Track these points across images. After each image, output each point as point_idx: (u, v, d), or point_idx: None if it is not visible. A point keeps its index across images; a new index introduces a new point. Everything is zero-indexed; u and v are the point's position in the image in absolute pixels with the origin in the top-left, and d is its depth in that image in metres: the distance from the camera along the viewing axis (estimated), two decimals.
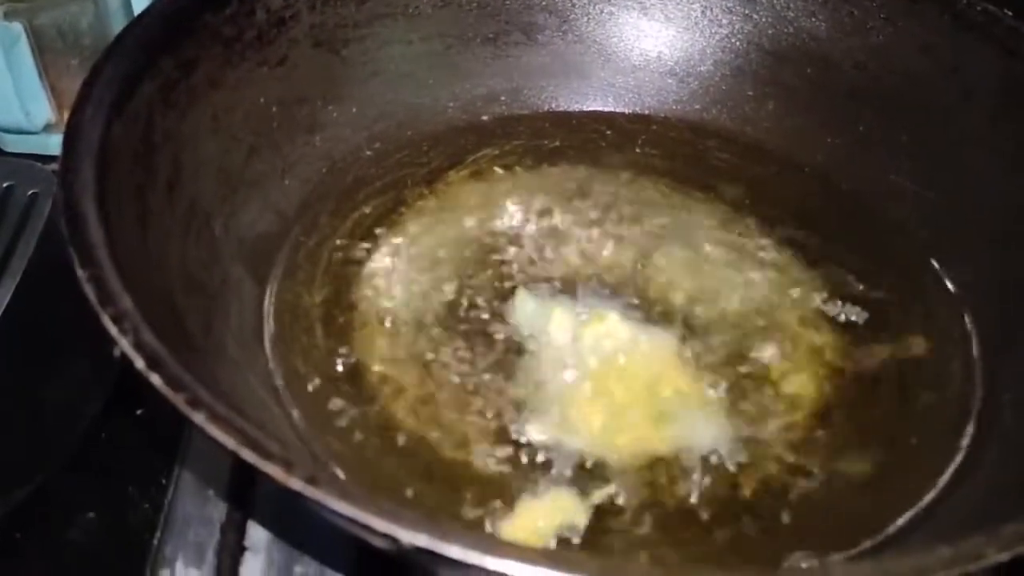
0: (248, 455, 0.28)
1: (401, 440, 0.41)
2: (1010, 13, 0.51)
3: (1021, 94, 0.49)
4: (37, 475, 0.47)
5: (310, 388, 0.42)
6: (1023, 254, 0.47)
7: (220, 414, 0.29)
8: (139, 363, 0.30)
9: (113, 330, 0.31)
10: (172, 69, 0.43)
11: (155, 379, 0.30)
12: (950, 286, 0.49)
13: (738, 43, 0.57)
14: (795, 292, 0.49)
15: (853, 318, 0.47)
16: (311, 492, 0.27)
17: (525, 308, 0.46)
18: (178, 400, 0.29)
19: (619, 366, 0.44)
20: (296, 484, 0.28)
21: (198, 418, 0.29)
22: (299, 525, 0.44)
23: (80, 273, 0.32)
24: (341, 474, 0.39)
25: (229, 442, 0.29)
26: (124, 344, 0.30)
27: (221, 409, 0.29)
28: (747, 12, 0.57)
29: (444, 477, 0.40)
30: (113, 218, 0.36)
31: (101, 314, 0.31)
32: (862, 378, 0.45)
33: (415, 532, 0.26)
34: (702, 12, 0.57)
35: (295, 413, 0.41)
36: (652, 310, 0.47)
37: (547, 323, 0.45)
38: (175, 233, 0.41)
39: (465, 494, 0.39)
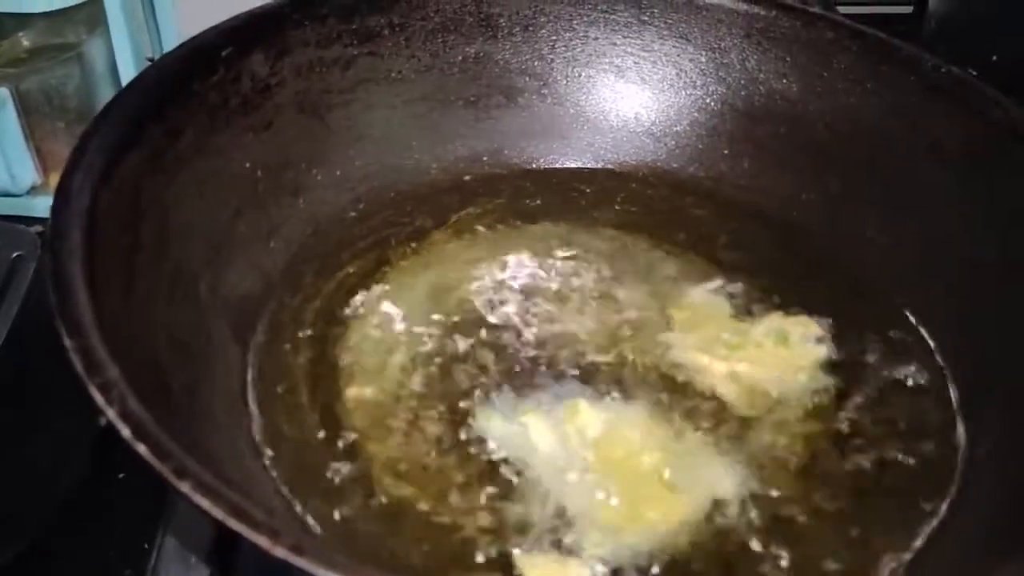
0: (235, 524, 0.28)
1: (388, 506, 0.41)
2: (975, 73, 0.53)
3: (986, 152, 0.50)
4: (16, 541, 0.46)
5: (295, 450, 0.42)
6: (995, 307, 0.48)
7: (206, 483, 0.29)
8: (125, 432, 0.30)
9: (100, 400, 0.31)
10: (159, 137, 0.44)
11: (142, 449, 0.30)
12: (927, 339, 0.50)
13: (712, 104, 0.59)
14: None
15: (829, 370, 0.48)
16: (298, 561, 0.27)
17: (494, 427, 0.44)
18: (165, 470, 0.29)
19: (613, 449, 0.43)
20: (282, 553, 0.28)
21: (184, 487, 0.29)
22: None
23: (67, 343, 0.32)
24: (327, 539, 0.38)
25: (216, 512, 0.29)
26: (111, 414, 0.31)
27: (207, 478, 0.30)
28: (720, 75, 0.58)
29: (436, 544, 0.40)
30: (100, 285, 0.36)
31: (88, 384, 0.31)
32: (839, 431, 0.45)
33: None
34: (676, 75, 0.59)
35: (281, 477, 0.41)
36: (632, 376, 0.47)
37: (525, 434, 0.44)
38: (161, 296, 0.41)
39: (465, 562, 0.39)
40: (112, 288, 0.38)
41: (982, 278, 0.49)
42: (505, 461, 0.43)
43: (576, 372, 0.47)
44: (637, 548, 0.40)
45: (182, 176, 0.45)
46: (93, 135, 0.41)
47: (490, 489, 0.42)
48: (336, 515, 0.40)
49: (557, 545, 0.40)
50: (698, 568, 0.40)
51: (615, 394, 0.46)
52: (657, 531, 0.41)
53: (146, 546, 0.47)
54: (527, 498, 0.41)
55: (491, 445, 0.43)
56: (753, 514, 0.41)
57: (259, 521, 0.28)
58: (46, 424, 0.51)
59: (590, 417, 0.44)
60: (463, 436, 0.44)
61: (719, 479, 0.43)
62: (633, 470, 0.43)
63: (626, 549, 0.40)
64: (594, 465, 0.43)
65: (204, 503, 0.29)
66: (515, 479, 0.42)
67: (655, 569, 0.39)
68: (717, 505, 0.42)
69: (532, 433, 0.44)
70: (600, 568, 0.39)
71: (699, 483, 0.42)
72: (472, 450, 0.43)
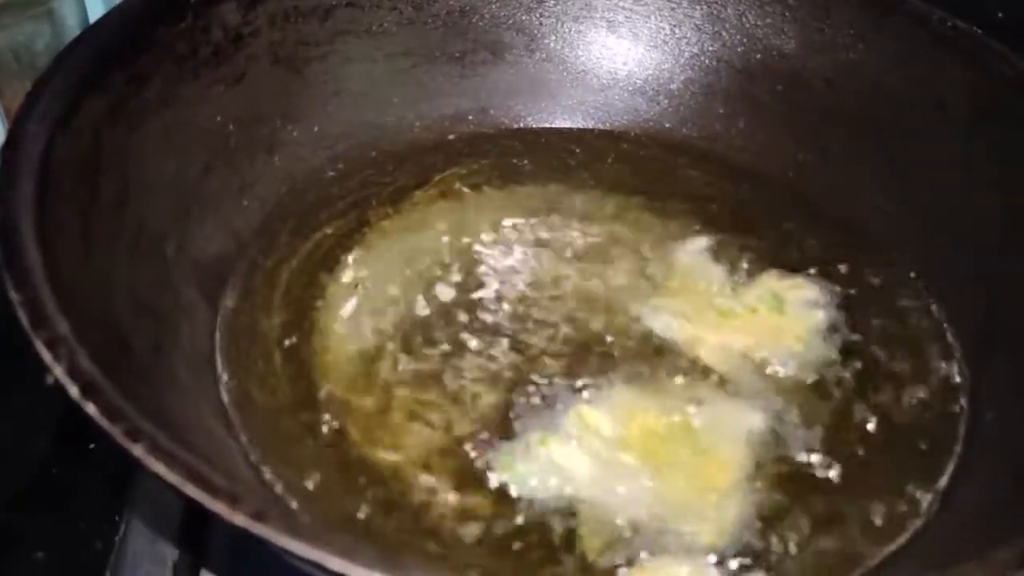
0: (191, 490, 0.26)
1: (366, 473, 0.39)
2: (979, 30, 0.51)
3: (992, 109, 0.48)
4: None
5: (266, 416, 0.40)
6: (1000, 268, 0.46)
7: (162, 446, 0.27)
8: (73, 391, 0.28)
9: (46, 356, 0.29)
10: (122, 84, 0.42)
11: (90, 408, 0.28)
12: (930, 301, 0.48)
13: (707, 61, 0.57)
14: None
15: (827, 337, 0.46)
16: (258, 529, 0.25)
17: (518, 475, 0.40)
18: (115, 431, 0.27)
19: (639, 440, 0.41)
20: (242, 520, 0.26)
21: (137, 450, 0.27)
22: (254, 563, 0.42)
23: (13, 296, 0.30)
24: (298, 508, 0.36)
25: (171, 476, 0.27)
26: (57, 371, 0.28)
27: (163, 440, 0.27)
28: (716, 30, 0.56)
29: (416, 512, 0.38)
30: (53, 238, 0.34)
31: (33, 339, 0.29)
32: (843, 395, 0.44)
33: (370, 570, 0.25)
34: (671, 30, 0.57)
35: (249, 443, 0.39)
36: (623, 354, 0.45)
37: (551, 465, 0.40)
38: (122, 254, 0.39)
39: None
40: (67, 242, 0.36)
41: (988, 237, 0.47)
42: (552, 507, 0.39)
43: (567, 353, 0.44)
44: (734, 512, 0.39)
45: (147, 127, 0.43)
46: (49, 79, 0.39)
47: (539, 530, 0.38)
48: (308, 484, 0.38)
49: (658, 552, 0.37)
50: (784, 502, 0.39)
51: (610, 378, 0.43)
52: (733, 490, 0.39)
53: (117, 518, 0.45)
54: (596, 526, 0.38)
55: (524, 496, 0.39)
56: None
57: (218, 487, 0.26)
58: (10, 393, 0.48)
59: (597, 419, 0.42)
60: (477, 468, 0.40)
61: (743, 429, 0.42)
62: (670, 450, 0.41)
63: (723, 520, 0.38)
64: (633, 463, 0.40)
65: (159, 468, 0.27)
66: (574, 520, 0.38)
67: (759, 522, 0.38)
68: (757, 449, 0.41)
69: (560, 461, 0.40)
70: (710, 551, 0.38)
71: (730, 438, 0.41)
72: (497, 494, 0.39)
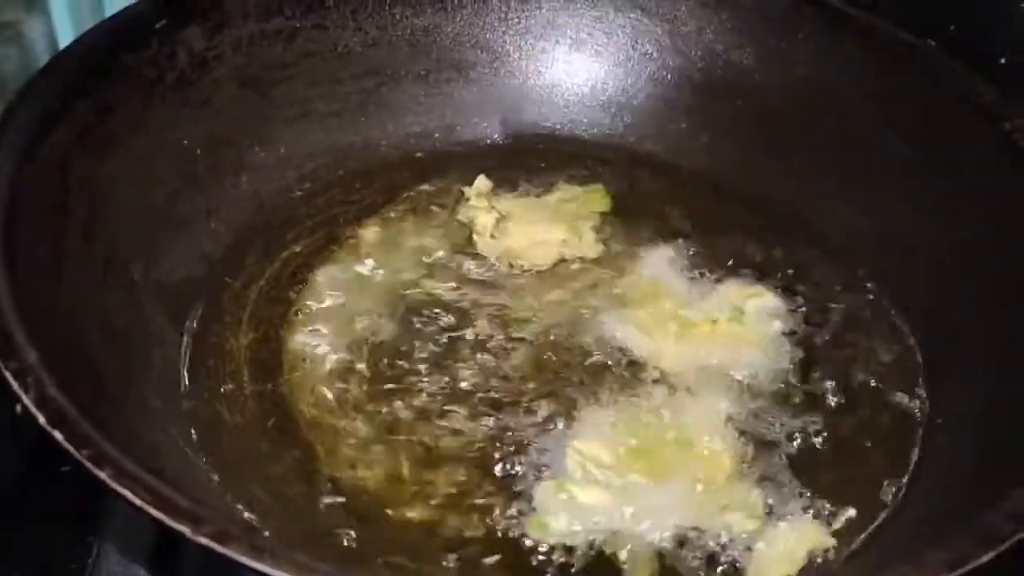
0: (155, 512, 0.27)
1: (334, 490, 0.40)
2: (933, 43, 0.52)
3: (946, 122, 0.50)
4: None
5: (235, 436, 0.41)
6: (959, 276, 0.47)
7: (127, 470, 0.28)
8: (41, 419, 0.29)
9: (14, 385, 0.30)
10: (88, 113, 0.42)
11: (59, 436, 0.29)
12: (888, 310, 0.49)
13: (669, 76, 0.58)
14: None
15: (787, 345, 0.47)
16: (220, 548, 0.26)
17: (550, 531, 0.40)
18: (82, 457, 0.28)
19: (637, 458, 0.42)
20: (205, 540, 0.26)
21: (103, 475, 0.28)
22: None
23: None
24: (264, 527, 0.37)
25: (136, 499, 0.28)
26: (26, 400, 0.29)
27: (128, 465, 0.28)
28: (677, 46, 0.57)
29: (387, 532, 0.39)
30: (22, 267, 0.35)
31: (2, 368, 0.30)
32: (796, 405, 0.45)
33: None
34: (632, 46, 0.58)
35: (217, 464, 0.39)
36: (592, 374, 0.46)
37: (577, 508, 0.40)
38: (92, 281, 0.40)
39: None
40: (36, 271, 0.36)
41: (944, 250, 0.48)
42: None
43: (540, 376, 0.45)
44: (755, 494, 0.40)
45: (114, 155, 0.43)
46: (17, 110, 0.39)
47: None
48: (275, 503, 0.39)
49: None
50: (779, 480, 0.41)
51: (586, 401, 0.44)
52: (735, 474, 0.41)
53: (90, 539, 0.45)
54: (644, 550, 0.39)
55: (560, 544, 0.39)
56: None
57: (182, 508, 0.27)
58: None
59: (591, 448, 0.42)
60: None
61: (715, 417, 0.44)
62: (663, 453, 0.42)
63: (753, 506, 0.40)
64: (641, 479, 0.41)
65: (124, 491, 0.28)
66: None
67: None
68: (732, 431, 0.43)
69: (582, 499, 0.40)
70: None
71: (707, 426, 0.43)
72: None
